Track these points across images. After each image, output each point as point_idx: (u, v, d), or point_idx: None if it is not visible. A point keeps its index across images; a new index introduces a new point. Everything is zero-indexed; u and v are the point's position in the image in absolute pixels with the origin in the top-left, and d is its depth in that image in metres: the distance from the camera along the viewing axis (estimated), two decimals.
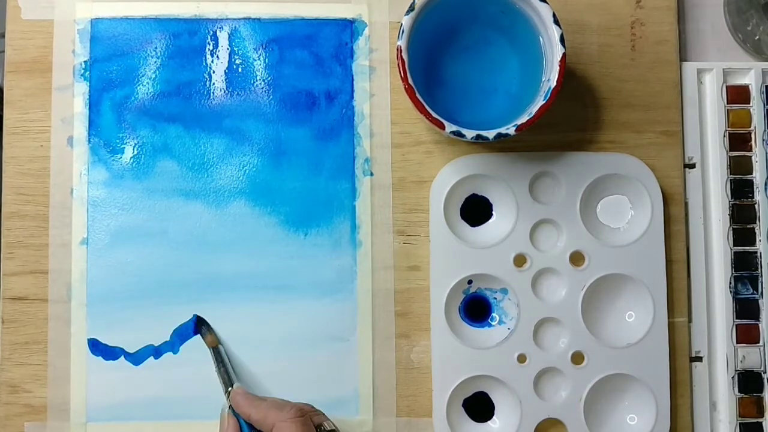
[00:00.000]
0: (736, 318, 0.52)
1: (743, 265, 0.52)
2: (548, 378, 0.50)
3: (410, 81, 0.45)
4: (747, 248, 0.52)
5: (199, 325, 0.50)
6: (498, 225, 0.51)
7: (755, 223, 0.52)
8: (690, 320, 0.52)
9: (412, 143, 0.52)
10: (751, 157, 0.53)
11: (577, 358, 0.50)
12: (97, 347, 0.50)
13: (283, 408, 0.43)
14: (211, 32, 0.52)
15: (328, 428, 0.43)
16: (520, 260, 0.51)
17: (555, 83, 0.45)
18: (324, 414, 0.45)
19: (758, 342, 0.52)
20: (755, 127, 0.53)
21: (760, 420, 0.51)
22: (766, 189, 0.53)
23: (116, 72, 0.51)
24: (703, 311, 0.52)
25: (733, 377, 0.51)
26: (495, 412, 0.50)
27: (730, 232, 0.52)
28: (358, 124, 0.52)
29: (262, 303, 0.50)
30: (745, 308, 0.52)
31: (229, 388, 0.47)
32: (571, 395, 0.50)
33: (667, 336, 0.50)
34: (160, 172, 0.51)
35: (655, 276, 0.50)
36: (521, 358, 0.50)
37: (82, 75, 0.51)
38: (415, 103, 0.45)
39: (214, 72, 0.52)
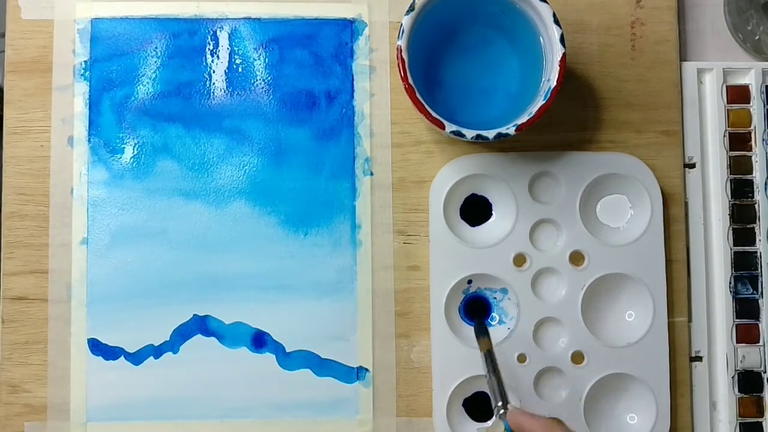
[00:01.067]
0: (736, 318, 0.52)
1: (743, 265, 0.52)
2: (548, 378, 0.50)
3: (410, 81, 0.45)
4: (747, 248, 0.52)
5: (477, 321, 0.48)
6: (498, 225, 0.51)
7: (755, 223, 0.52)
8: (690, 320, 0.52)
9: (412, 143, 0.52)
10: (751, 157, 0.53)
11: (577, 357, 0.50)
12: (97, 347, 0.50)
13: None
14: (211, 32, 0.52)
15: None
16: (519, 260, 0.51)
17: (555, 83, 0.45)
18: None
19: (758, 342, 0.52)
20: (755, 127, 0.53)
21: (760, 420, 0.51)
22: (766, 189, 0.53)
23: (116, 72, 0.51)
24: (703, 311, 0.52)
25: (733, 377, 0.51)
26: None
27: (730, 232, 0.52)
28: (358, 124, 0.52)
29: (262, 303, 0.50)
30: (745, 308, 0.52)
31: (502, 404, 0.43)
32: (571, 395, 0.50)
33: (667, 336, 0.50)
34: (160, 172, 0.51)
35: (655, 276, 0.50)
36: (521, 358, 0.50)
37: (82, 75, 0.51)
38: (415, 103, 0.45)
39: (214, 72, 0.52)
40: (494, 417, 0.43)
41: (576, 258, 0.51)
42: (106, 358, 0.50)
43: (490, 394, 0.44)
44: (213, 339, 0.50)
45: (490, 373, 0.45)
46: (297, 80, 0.52)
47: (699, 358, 0.52)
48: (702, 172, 0.53)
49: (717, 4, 0.55)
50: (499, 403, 0.43)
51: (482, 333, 0.48)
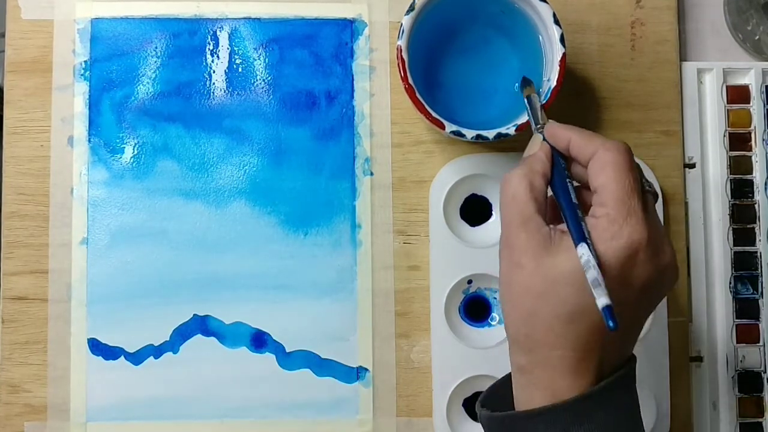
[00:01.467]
0: (736, 318, 0.52)
1: (743, 265, 0.52)
2: None
3: (410, 81, 0.45)
4: (747, 248, 0.52)
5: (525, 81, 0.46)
6: (498, 225, 0.51)
7: (755, 223, 0.52)
8: (690, 320, 0.52)
9: (412, 143, 0.52)
10: (751, 157, 0.53)
11: None
12: (97, 347, 0.50)
13: (607, 139, 0.37)
14: (211, 32, 0.52)
15: (647, 186, 0.37)
16: None
17: (555, 83, 0.45)
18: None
19: (758, 342, 0.52)
20: (755, 127, 0.53)
21: (760, 420, 0.51)
22: (766, 189, 0.53)
23: (116, 72, 0.51)
24: (703, 311, 0.52)
25: (733, 377, 0.51)
26: None
27: (730, 232, 0.52)
28: (358, 124, 0.52)
29: (262, 303, 0.50)
30: (745, 308, 0.52)
31: (542, 123, 0.41)
32: None
33: (667, 336, 0.50)
34: (160, 172, 0.51)
35: None
36: None
37: (82, 75, 0.51)
38: (415, 103, 0.45)
39: (214, 72, 0.52)
40: (533, 136, 0.41)
41: None
42: (106, 358, 0.50)
43: (531, 122, 0.43)
44: (213, 339, 0.50)
45: (532, 109, 0.43)
46: (297, 80, 0.52)
47: (699, 358, 0.52)
48: (702, 172, 0.53)
49: (717, 4, 0.55)
50: (543, 123, 0.41)
51: (528, 84, 0.46)
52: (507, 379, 0.39)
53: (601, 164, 0.36)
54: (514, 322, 0.36)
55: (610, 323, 0.32)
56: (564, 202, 0.37)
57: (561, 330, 0.35)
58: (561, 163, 0.39)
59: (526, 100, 0.44)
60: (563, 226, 0.36)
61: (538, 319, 0.35)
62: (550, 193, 0.38)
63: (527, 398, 0.36)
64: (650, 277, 0.35)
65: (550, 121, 0.41)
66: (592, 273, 0.33)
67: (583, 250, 0.34)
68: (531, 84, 0.45)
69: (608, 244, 0.34)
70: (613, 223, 0.34)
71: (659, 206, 0.51)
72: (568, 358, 0.35)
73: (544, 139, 0.40)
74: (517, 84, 0.47)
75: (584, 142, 0.37)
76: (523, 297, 0.36)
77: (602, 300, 0.33)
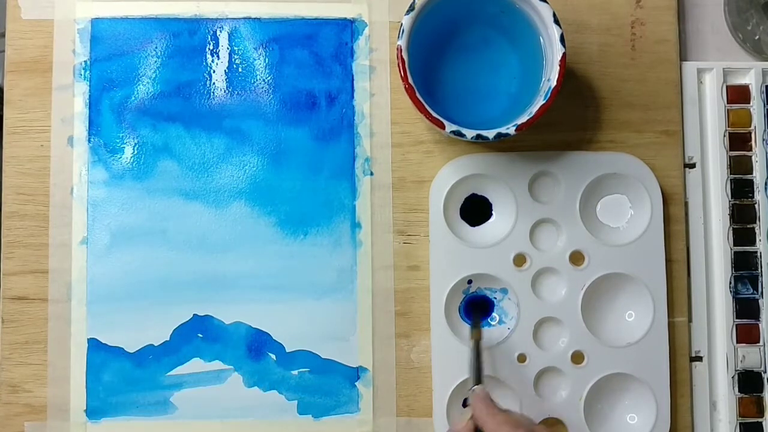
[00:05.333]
0: (736, 318, 0.52)
1: (743, 265, 0.52)
2: (548, 378, 0.50)
3: (410, 81, 0.45)
4: (747, 248, 0.52)
5: (475, 315, 0.49)
6: (498, 225, 0.51)
7: (755, 223, 0.52)
8: (690, 320, 0.52)
9: (412, 143, 0.52)
10: (751, 156, 0.53)
11: (577, 357, 0.50)
12: (97, 347, 0.50)
13: (518, 428, 0.40)
14: (211, 32, 0.52)
15: None
16: (519, 260, 0.51)
17: (555, 83, 0.45)
18: None
19: (758, 342, 0.52)
20: (755, 127, 0.53)
21: (760, 420, 0.51)
22: (766, 189, 0.53)
23: (116, 72, 0.51)
24: (703, 311, 0.52)
25: (733, 377, 0.51)
26: None
27: (730, 232, 0.52)
28: (358, 124, 0.52)
29: (262, 303, 0.50)
30: (745, 308, 0.52)
31: (474, 387, 0.45)
32: (571, 395, 0.50)
33: (667, 336, 0.50)
34: (160, 172, 0.51)
35: (655, 275, 0.50)
36: (521, 358, 0.50)
37: (82, 75, 0.51)
38: (415, 102, 0.45)
39: (214, 72, 0.52)
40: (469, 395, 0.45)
41: (576, 258, 0.51)
42: (106, 358, 0.50)
43: (470, 377, 0.47)
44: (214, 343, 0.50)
45: (475, 360, 0.47)
46: (297, 80, 0.52)
47: (699, 358, 0.52)
48: (702, 172, 0.53)
49: (717, 4, 0.55)
50: (474, 387, 0.45)
51: (477, 325, 0.49)
52: None
53: None
54: None
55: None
56: None
57: None
58: None
59: (472, 346, 0.48)
60: None
61: None
62: None
63: None
64: None
65: (478, 389, 0.45)
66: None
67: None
68: (480, 325, 0.49)
69: None
70: None
71: (659, 206, 0.51)
72: None
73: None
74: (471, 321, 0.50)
75: (494, 426, 0.41)
76: None
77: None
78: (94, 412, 0.50)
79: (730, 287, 0.52)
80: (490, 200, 0.52)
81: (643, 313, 0.50)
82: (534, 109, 0.45)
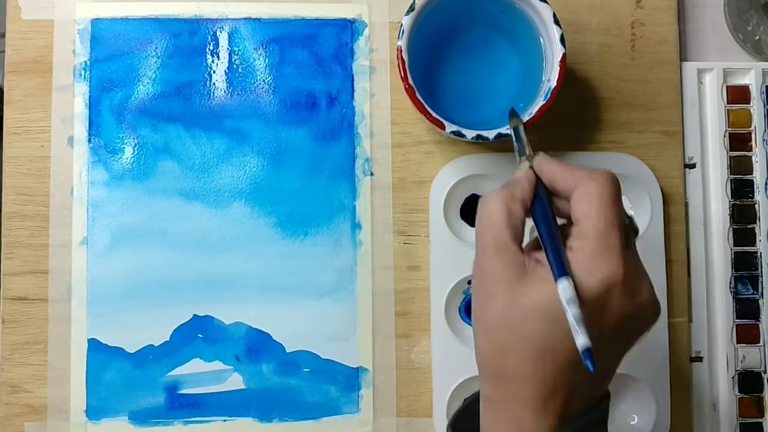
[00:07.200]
0: (736, 318, 0.52)
1: (743, 265, 0.52)
2: None
3: (410, 81, 0.45)
4: (747, 248, 0.52)
5: (511, 114, 0.45)
6: None
7: (755, 223, 0.52)
8: (690, 320, 0.52)
9: (412, 143, 0.52)
10: (751, 157, 0.53)
11: None
12: (97, 347, 0.50)
13: (593, 170, 0.36)
14: (211, 32, 0.52)
15: (627, 221, 0.36)
16: None
17: (555, 83, 0.45)
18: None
19: (758, 342, 0.52)
20: (755, 127, 0.53)
21: (760, 420, 0.51)
22: (766, 189, 0.53)
23: (116, 72, 0.51)
24: (703, 311, 0.52)
25: (733, 377, 0.51)
26: None
27: (730, 232, 0.52)
28: (359, 124, 0.52)
29: (262, 303, 0.50)
30: (745, 308, 0.52)
31: (528, 154, 0.40)
32: None
33: (667, 336, 0.50)
34: (160, 172, 0.51)
35: (655, 276, 0.50)
36: None
37: (82, 75, 0.51)
38: (415, 103, 0.45)
39: (214, 72, 0.52)
40: (519, 164, 0.40)
41: None
42: (106, 359, 0.50)
43: (516, 154, 0.42)
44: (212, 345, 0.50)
45: (518, 140, 0.42)
46: (297, 80, 0.52)
47: (699, 358, 0.52)
48: (702, 172, 0.53)
49: (717, 4, 0.55)
50: (529, 154, 0.40)
51: (515, 116, 0.44)
52: (476, 399, 0.38)
53: (585, 195, 0.35)
54: (483, 351, 0.35)
55: (590, 365, 0.32)
56: (545, 232, 0.36)
57: (529, 365, 0.34)
58: (543, 192, 0.37)
59: (512, 131, 0.43)
60: (538, 254, 0.35)
61: (508, 352, 0.34)
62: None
63: (493, 430, 0.36)
64: (626, 315, 0.34)
65: (538, 152, 0.40)
66: (575, 311, 0.32)
67: (564, 285, 0.33)
68: (518, 116, 0.44)
69: (583, 280, 0.33)
70: (589, 258, 0.33)
71: (659, 207, 0.51)
72: (533, 394, 0.34)
73: (530, 167, 0.38)
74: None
75: (570, 172, 0.36)
76: (494, 328, 0.35)
77: (582, 341, 0.32)
78: (94, 412, 0.50)
79: (730, 287, 0.52)
80: None
81: None
82: (534, 109, 0.45)
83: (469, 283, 0.50)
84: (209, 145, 0.51)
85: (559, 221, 0.37)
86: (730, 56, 0.55)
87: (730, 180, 0.52)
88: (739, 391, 0.51)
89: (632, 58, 0.53)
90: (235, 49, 0.52)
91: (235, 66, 0.52)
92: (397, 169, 0.52)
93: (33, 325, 0.50)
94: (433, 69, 0.49)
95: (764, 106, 0.53)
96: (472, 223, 0.51)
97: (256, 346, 0.50)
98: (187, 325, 0.50)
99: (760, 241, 0.52)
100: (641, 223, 0.51)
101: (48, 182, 0.51)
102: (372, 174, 0.51)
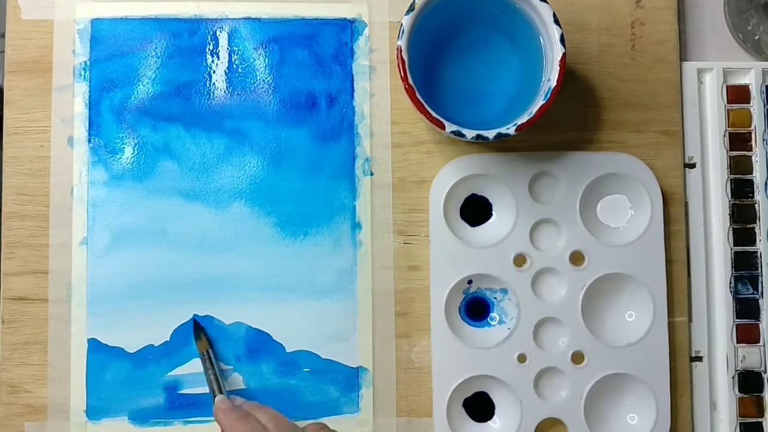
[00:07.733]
0: (736, 318, 0.52)
1: (743, 265, 0.52)
2: (548, 378, 0.50)
3: (410, 81, 0.45)
4: (747, 248, 0.52)
5: (195, 329, 0.50)
6: (498, 225, 0.51)
7: (755, 223, 0.52)
8: (690, 320, 0.52)
9: (412, 143, 0.52)
10: (751, 157, 0.53)
11: (577, 357, 0.50)
12: (97, 347, 0.50)
13: (246, 420, 0.43)
14: (211, 32, 0.52)
15: None
16: (519, 260, 0.51)
17: (555, 83, 0.45)
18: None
19: (758, 342, 0.52)
20: (755, 127, 0.53)
21: (760, 420, 0.51)
22: (766, 189, 0.53)
23: (116, 72, 0.51)
24: (703, 311, 0.52)
25: (733, 377, 0.51)
26: (495, 412, 0.50)
27: (730, 232, 0.52)
28: (358, 124, 0.52)
29: (262, 303, 0.50)
30: (745, 308, 0.52)
31: (215, 397, 0.48)
32: (571, 395, 0.50)
33: (667, 336, 0.50)
34: (160, 173, 0.51)
35: (655, 276, 0.50)
36: (521, 358, 0.50)
37: (82, 75, 0.51)
38: (415, 103, 0.45)
39: (214, 72, 0.52)
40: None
41: (576, 258, 0.51)
42: (106, 359, 0.50)
43: (210, 390, 0.48)
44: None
45: (207, 371, 0.48)
46: (297, 80, 0.52)
47: (699, 358, 0.52)
48: (702, 172, 0.53)
49: (717, 4, 0.55)
50: (217, 395, 0.48)
51: (200, 335, 0.49)
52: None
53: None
54: None
55: None
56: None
57: None
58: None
59: (201, 357, 0.49)
60: None
61: None
62: None
63: None
64: None
65: (218, 399, 0.47)
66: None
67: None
68: (204, 335, 0.49)
69: None
70: None
71: (659, 206, 0.51)
72: None
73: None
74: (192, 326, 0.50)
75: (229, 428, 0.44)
76: None
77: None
78: (94, 412, 0.50)
79: (730, 287, 0.52)
80: (490, 200, 0.52)
81: (643, 313, 0.50)
82: (534, 109, 0.45)
83: (470, 282, 0.51)
84: (209, 145, 0.51)
85: None
86: (730, 56, 0.55)
87: (730, 180, 0.52)
88: (739, 391, 0.51)
89: (632, 57, 0.53)
90: (235, 49, 0.52)
91: (235, 66, 0.52)
92: (397, 168, 0.52)
93: (33, 325, 0.50)
94: (432, 69, 0.49)
95: (764, 106, 0.53)
96: (472, 223, 0.51)
97: (256, 346, 0.50)
98: (187, 325, 0.50)
99: (760, 240, 0.52)
100: (642, 223, 0.51)
101: (48, 182, 0.51)
102: (372, 174, 0.51)
